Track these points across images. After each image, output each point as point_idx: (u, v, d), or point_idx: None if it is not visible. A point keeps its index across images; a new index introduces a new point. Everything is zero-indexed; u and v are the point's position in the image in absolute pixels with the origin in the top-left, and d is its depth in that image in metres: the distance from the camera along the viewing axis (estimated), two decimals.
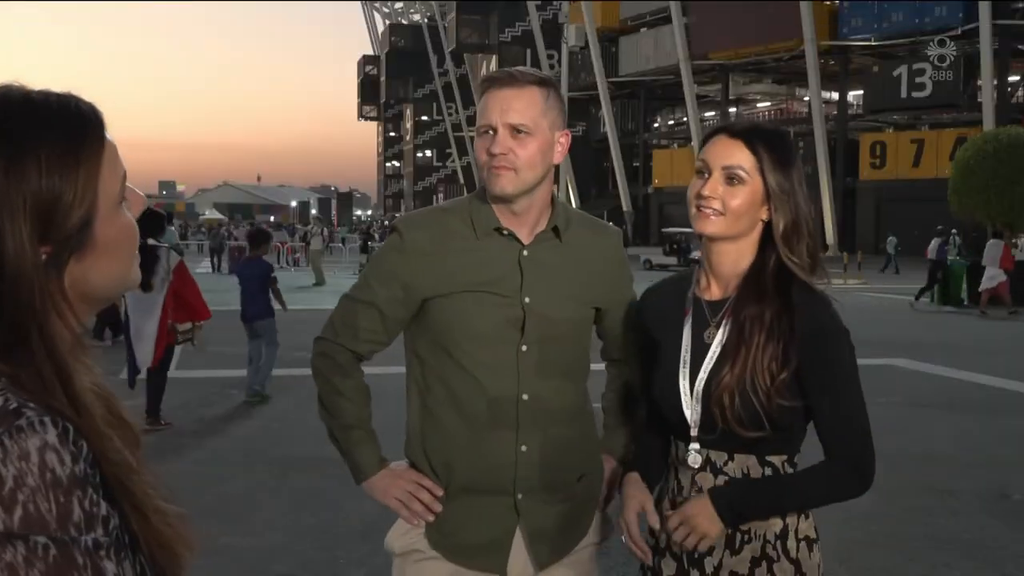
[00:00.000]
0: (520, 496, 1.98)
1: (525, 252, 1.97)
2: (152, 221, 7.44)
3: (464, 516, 1.98)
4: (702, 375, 1.85)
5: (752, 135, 1.84)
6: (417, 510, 1.98)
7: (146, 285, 7.12)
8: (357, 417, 2.04)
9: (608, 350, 2.22)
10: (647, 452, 2.04)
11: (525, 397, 1.95)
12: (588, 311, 2.06)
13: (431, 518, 1.99)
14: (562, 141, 1.97)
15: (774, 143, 1.85)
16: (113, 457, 0.91)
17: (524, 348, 1.95)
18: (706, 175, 1.85)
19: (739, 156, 1.83)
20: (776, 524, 1.84)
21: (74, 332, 0.95)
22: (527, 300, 1.95)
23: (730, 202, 1.82)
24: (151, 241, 7.26)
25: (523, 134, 1.88)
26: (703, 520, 1.79)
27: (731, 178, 1.83)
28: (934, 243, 20.23)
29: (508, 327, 1.95)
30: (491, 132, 1.90)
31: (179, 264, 7.56)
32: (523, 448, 1.96)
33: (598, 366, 2.10)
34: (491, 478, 1.96)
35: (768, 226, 1.85)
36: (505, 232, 1.97)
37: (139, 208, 1.02)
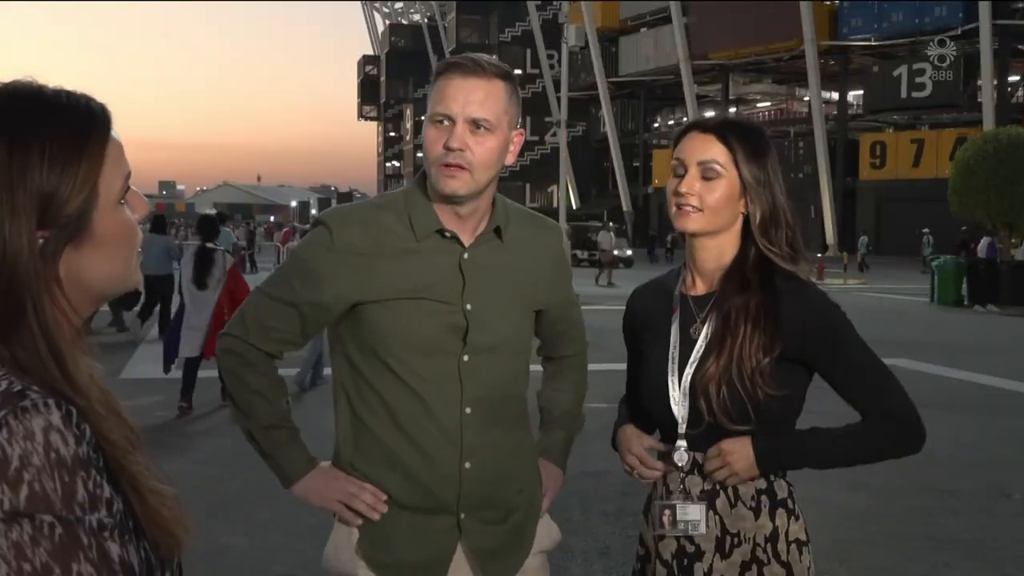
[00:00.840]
0: (463, 515, 1.85)
1: (466, 255, 1.83)
2: (207, 225, 8.39)
3: (402, 533, 1.84)
4: (689, 370, 1.83)
5: (724, 129, 1.84)
6: (361, 509, 1.83)
7: (201, 284, 7.88)
8: (276, 416, 1.87)
9: (547, 348, 2.10)
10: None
11: (468, 411, 1.82)
12: (531, 316, 1.95)
13: (376, 516, 1.83)
14: (516, 140, 1.84)
15: (747, 135, 1.85)
16: (111, 436, 0.93)
17: (466, 358, 1.81)
18: (682, 172, 1.85)
19: (713, 150, 1.82)
20: (766, 527, 1.81)
21: (71, 323, 0.97)
22: (469, 307, 1.81)
23: (707, 198, 1.81)
24: (208, 244, 8.10)
25: (483, 130, 1.74)
26: (739, 458, 1.76)
27: (707, 173, 1.82)
28: (984, 242, 19.78)
29: (450, 336, 1.80)
30: (447, 123, 1.74)
31: (233, 266, 8.21)
32: (467, 465, 1.82)
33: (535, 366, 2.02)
34: (433, 497, 1.83)
35: (748, 218, 1.85)
36: (448, 234, 1.82)
37: (142, 213, 1.04)
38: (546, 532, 2.03)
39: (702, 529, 1.82)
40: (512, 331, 1.88)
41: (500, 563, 1.92)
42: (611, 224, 29.23)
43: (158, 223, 13.82)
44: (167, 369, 8.41)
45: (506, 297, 1.86)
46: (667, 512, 1.85)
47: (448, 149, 1.73)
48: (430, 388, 1.80)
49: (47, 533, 0.85)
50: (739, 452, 1.76)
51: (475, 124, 1.74)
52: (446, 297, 1.81)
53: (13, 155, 0.93)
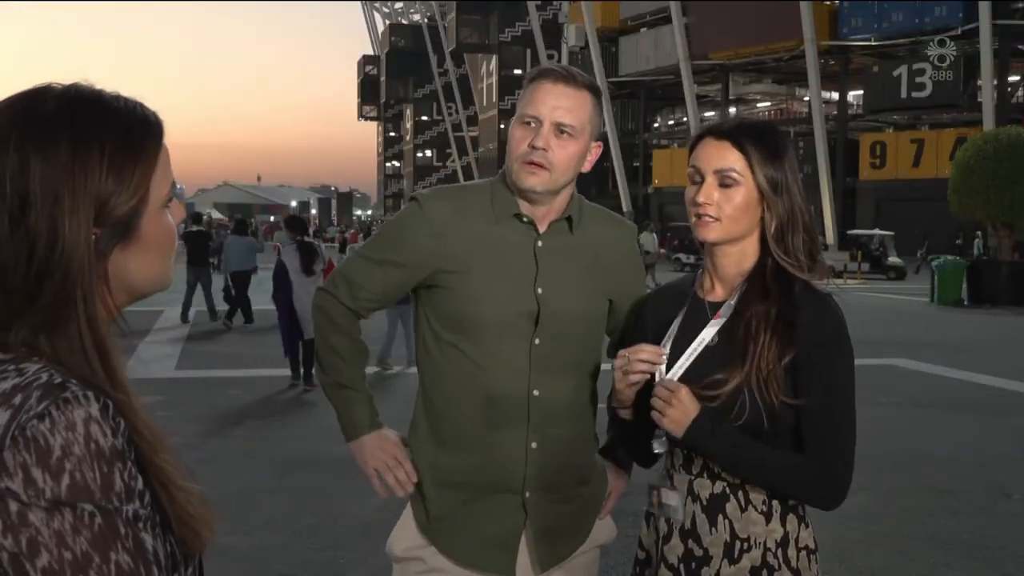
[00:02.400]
0: (528, 494, 1.94)
1: (540, 243, 1.94)
2: (301, 224, 10.09)
3: (471, 513, 1.94)
4: (685, 360, 1.81)
5: (739, 134, 1.80)
6: (390, 483, 1.96)
7: (308, 271, 9.23)
8: (349, 377, 2.01)
9: (615, 346, 2.14)
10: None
11: (536, 393, 1.91)
12: (602, 304, 2.02)
13: (401, 494, 1.97)
14: (594, 151, 1.95)
15: (762, 138, 1.81)
16: (145, 433, 0.96)
17: (537, 342, 1.90)
18: (699, 180, 1.82)
19: (730, 158, 1.79)
20: (777, 531, 1.79)
21: (112, 317, 1.01)
22: (540, 291, 1.91)
23: (725, 206, 1.79)
24: (306, 239, 9.61)
25: (567, 135, 1.86)
26: (681, 410, 1.73)
27: (724, 181, 1.79)
28: None
29: (521, 319, 1.90)
30: (534, 124, 1.86)
31: (329, 258, 9.67)
32: (533, 445, 1.92)
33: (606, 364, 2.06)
34: (501, 475, 1.92)
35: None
36: (525, 219, 1.93)
37: (179, 217, 1.08)
38: (605, 527, 2.13)
39: (678, 517, 1.82)
40: (582, 317, 1.97)
41: (558, 544, 2.00)
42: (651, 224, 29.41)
43: (240, 226, 15.60)
44: (287, 352, 9.42)
45: (577, 284, 1.96)
46: (655, 493, 1.88)
47: (532, 147, 1.85)
48: (501, 369, 1.90)
49: (87, 522, 0.88)
50: (685, 407, 1.74)
51: (560, 128, 1.86)
52: (519, 279, 1.91)
53: (76, 156, 0.96)
